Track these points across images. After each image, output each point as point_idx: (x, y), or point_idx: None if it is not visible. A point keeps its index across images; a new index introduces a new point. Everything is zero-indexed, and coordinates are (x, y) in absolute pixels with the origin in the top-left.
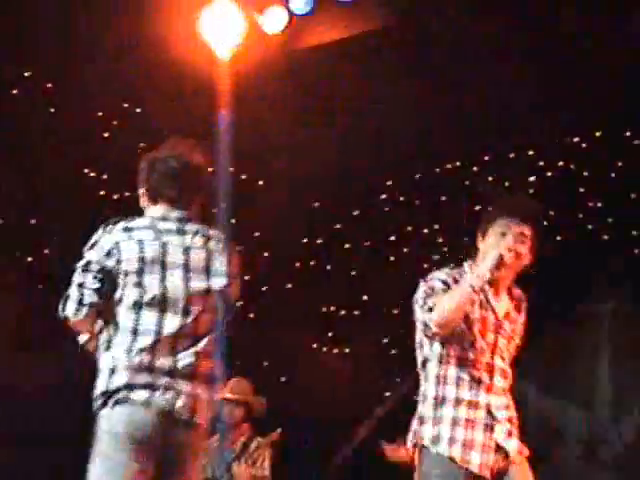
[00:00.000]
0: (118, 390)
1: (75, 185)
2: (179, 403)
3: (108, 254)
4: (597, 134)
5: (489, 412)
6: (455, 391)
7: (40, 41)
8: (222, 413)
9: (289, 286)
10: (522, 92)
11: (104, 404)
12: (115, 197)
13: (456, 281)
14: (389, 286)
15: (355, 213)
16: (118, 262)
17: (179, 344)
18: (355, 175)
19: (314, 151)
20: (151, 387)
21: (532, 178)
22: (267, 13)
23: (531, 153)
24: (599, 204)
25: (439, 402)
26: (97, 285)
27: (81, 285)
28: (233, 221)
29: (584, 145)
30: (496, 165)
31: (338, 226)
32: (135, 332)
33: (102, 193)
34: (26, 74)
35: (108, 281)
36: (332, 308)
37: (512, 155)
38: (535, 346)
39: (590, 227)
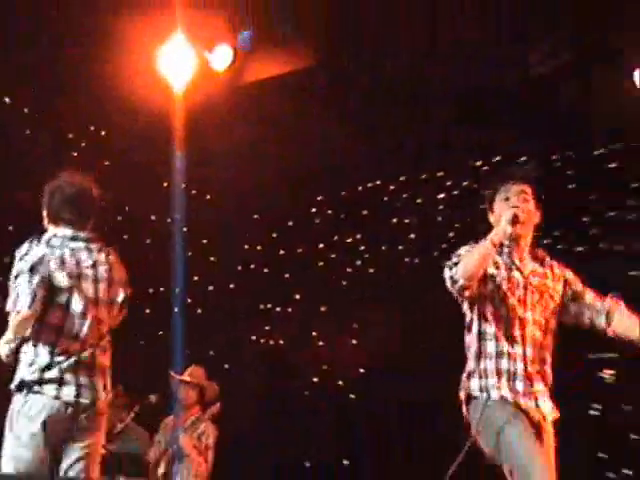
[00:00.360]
0: (33, 383)
1: None
2: (82, 394)
3: (39, 264)
4: (496, 159)
5: (526, 364)
6: (495, 345)
7: (19, 72)
8: (178, 394)
9: (232, 286)
10: (435, 123)
11: (19, 389)
12: None
13: None
14: (318, 287)
15: (290, 224)
16: (52, 272)
17: (86, 343)
18: (290, 192)
19: (256, 172)
20: (59, 382)
21: (441, 195)
22: (215, 51)
23: (440, 174)
24: None
25: (483, 356)
26: (43, 285)
27: (31, 283)
28: (185, 229)
29: (485, 168)
30: (410, 184)
31: (274, 235)
32: (55, 333)
33: None
34: (7, 100)
35: (47, 284)
36: (269, 305)
37: (424, 176)
38: None
39: None
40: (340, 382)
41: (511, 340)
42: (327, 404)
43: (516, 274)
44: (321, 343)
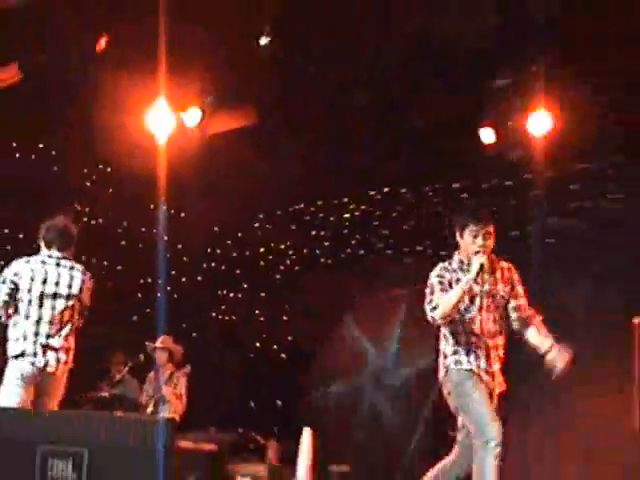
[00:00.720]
0: (18, 354)
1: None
2: (49, 364)
3: (15, 274)
4: (385, 190)
5: (487, 352)
6: (464, 338)
7: (47, 128)
8: (155, 357)
9: (199, 278)
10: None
11: (10, 358)
12: (99, 222)
13: (447, 270)
14: (259, 279)
15: (239, 235)
16: (20, 278)
17: (51, 328)
18: (239, 212)
19: (218, 197)
20: (34, 354)
21: (347, 215)
22: (188, 112)
23: (345, 200)
24: (386, 231)
25: (456, 345)
26: (8, 292)
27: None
28: (165, 238)
29: (379, 197)
30: (326, 207)
31: (229, 242)
32: (28, 319)
33: (93, 222)
34: (40, 145)
35: (14, 290)
36: (225, 291)
37: (335, 201)
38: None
39: (380, 245)
40: (275, 346)
41: (475, 335)
42: (266, 362)
43: (475, 287)
44: (262, 319)
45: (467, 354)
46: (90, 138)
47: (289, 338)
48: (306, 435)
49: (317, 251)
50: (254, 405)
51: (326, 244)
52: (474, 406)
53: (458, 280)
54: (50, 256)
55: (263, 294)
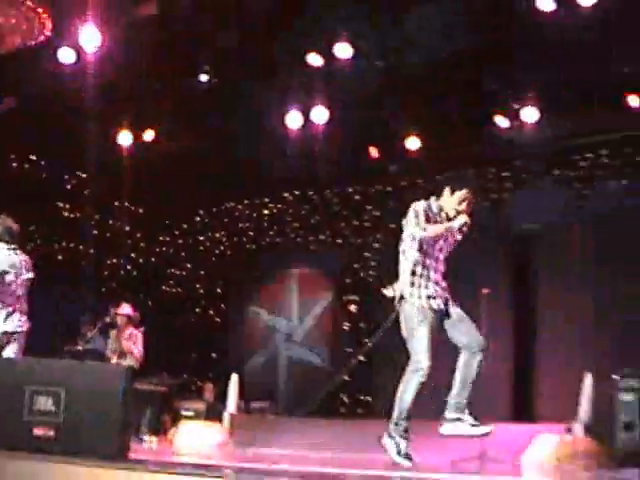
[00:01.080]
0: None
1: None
2: (9, 324)
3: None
4: (296, 192)
5: (438, 282)
6: (421, 269)
7: (45, 143)
8: (117, 320)
9: (153, 259)
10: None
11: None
12: (77, 216)
13: (429, 208)
14: (199, 261)
15: (185, 226)
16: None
17: (21, 300)
18: (184, 208)
19: (168, 196)
20: (6, 317)
21: (266, 212)
22: (146, 132)
23: (266, 200)
24: (296, 224)
25: (414, 274)
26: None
27: None
28: (127, 228)
29: (291, 198)
30: (250, 205)
31: (176, 232)
32: (10, 295)
33: (71, 216)
34: (32, 157)
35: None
36: (173, 270)
37: (257, 201)
38: None
39: (292, 235)
40: (211, 312)
41: (432, 267)
42: (204, 325)
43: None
44: (202, 292)
45: (419, 287)
46: (70, 152)
47: (222, 306)
48: (233, 379)
49: (244, 238)
50: (195, 356)
51: (250, 234)
52: (416, 339)
53: (436, 222)
54: (9, 248)
55: (202, 272)
